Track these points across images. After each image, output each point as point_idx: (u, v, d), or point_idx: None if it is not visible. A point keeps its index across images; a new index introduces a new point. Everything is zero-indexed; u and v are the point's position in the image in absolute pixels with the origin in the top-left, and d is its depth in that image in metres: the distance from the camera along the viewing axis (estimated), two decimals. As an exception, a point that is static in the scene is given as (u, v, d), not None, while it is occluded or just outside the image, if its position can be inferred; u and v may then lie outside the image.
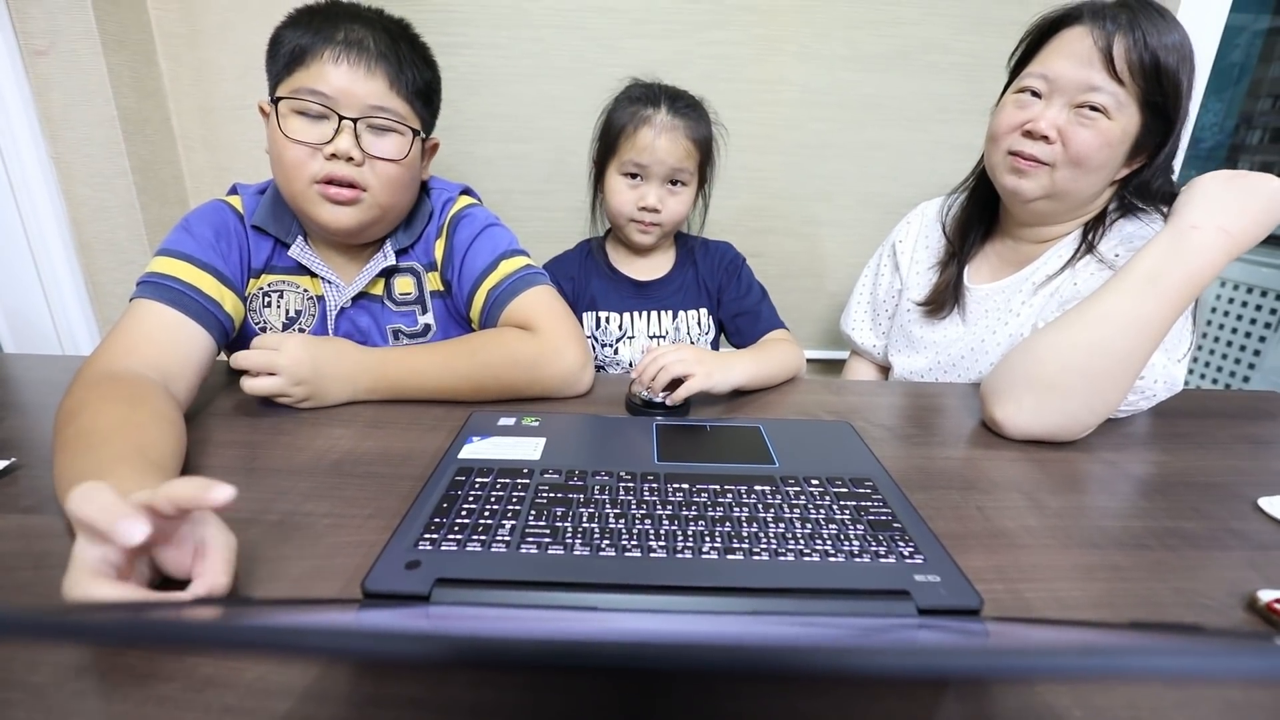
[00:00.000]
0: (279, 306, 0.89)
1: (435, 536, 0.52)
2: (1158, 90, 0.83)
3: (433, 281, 0.95)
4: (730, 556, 0.51)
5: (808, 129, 1.53)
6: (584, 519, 0.55)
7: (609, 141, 1.08)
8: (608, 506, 0.57)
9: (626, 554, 0.51)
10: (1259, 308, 2.34)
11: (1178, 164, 0.98)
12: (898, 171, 1.57)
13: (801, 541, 0.53)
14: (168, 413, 0.65)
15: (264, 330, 0.89)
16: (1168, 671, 0.26)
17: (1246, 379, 2.39)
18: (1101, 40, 0.83)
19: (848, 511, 0.58)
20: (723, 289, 1.18)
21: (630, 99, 1.07)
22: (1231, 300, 2.43)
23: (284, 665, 0.41)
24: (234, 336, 0.86)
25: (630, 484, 0.61)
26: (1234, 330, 2.43)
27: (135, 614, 0.30)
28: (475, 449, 0.67)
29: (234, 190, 0.91)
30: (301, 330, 0.90)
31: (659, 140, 1.03)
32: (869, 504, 0.59)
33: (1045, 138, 0.87)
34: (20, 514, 0.57)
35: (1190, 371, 2.53)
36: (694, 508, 0.57)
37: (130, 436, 0.58)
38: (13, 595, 0.47)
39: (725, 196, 1.48)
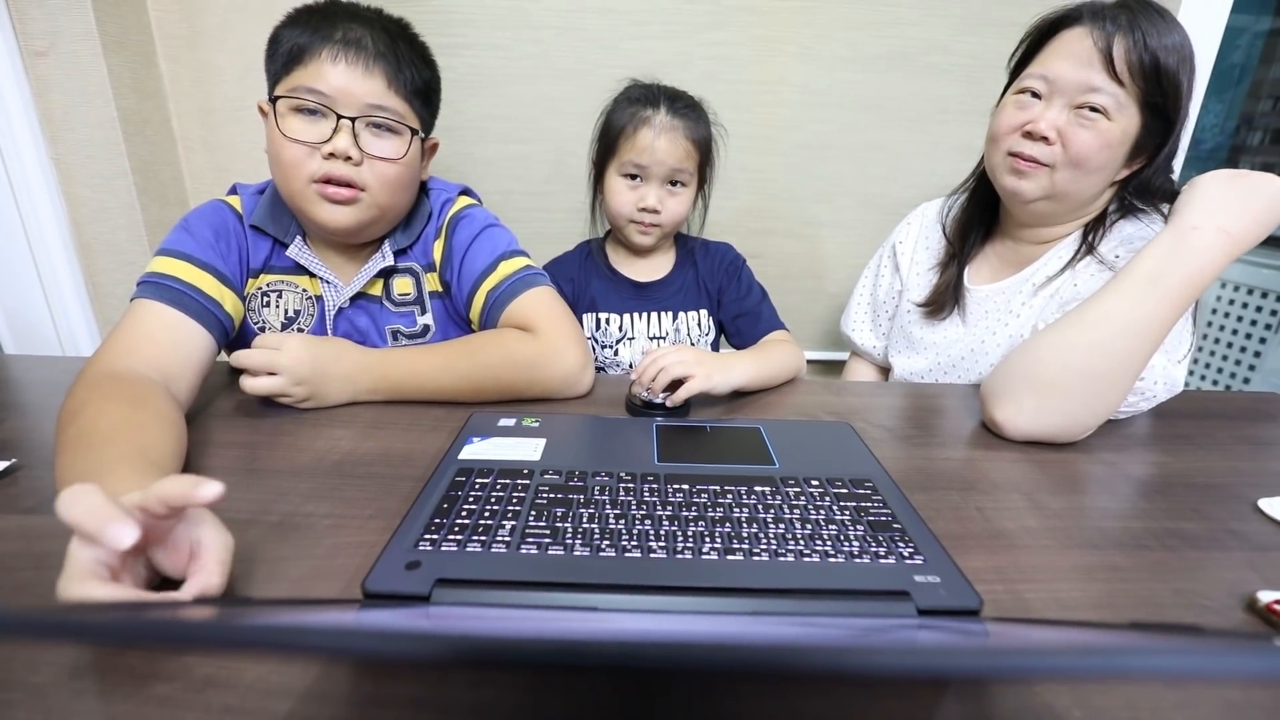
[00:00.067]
0: (278, 306, 0.89)
1: (435, 537, 0.52)
2: (1158, 91, 0.83)
3: (431, 282, 0.95)
4: (730, 557, 0.51)
5: (808, 130, 1.53)
6: (584, 519, 0.55)
7: (608, 143, 1.08)
8: (608, 507, 0.57)
9: (626, 554, 0.51)
10: (1259, 309, 2.34)
11: (1178, 165, 0.98)
12: (898, 172, 1.57)
13: (801, 542, 0.53)
14: (169, 413, 0.65)
15: (263, 330, 0.89)
16: (1167, 672, 0.26)
17: (1247, 380, 2.39)
18: (1101, 41, 0.83)
19: (848, 512, 0.58)
20: (723, 290, 1.18)
21: (629, 100, 1.07)
22: (1232, 302, 2.43)
23: (284, 665, 0.41)
24: (233, 336, 0.86)
25: (630, 485, 0.61)
26: (1234, 332, 2.42)
27: (135, 614, 0.30)
28: (475, 450, 0.67)
29: (233, 190, 0.91)
30: (300, 330, 0.90)
31: (658, 141, 1.03)
32: (869, 505, 0.59)
33: (1045, 139, 0.87)
34: (21, 514, 0.57)
35: (1190, 373, 2.53)
36: (694, 508, 0.57)
37: (132, 437, 0.58)
38: (13, 596, 0.47)
39: (725, 197, 1.48)
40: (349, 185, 0.81)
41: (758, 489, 0.61)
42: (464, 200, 0.98)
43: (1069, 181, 0.88)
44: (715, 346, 1.22)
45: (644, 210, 1.07)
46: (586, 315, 1.16)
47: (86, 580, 0.41)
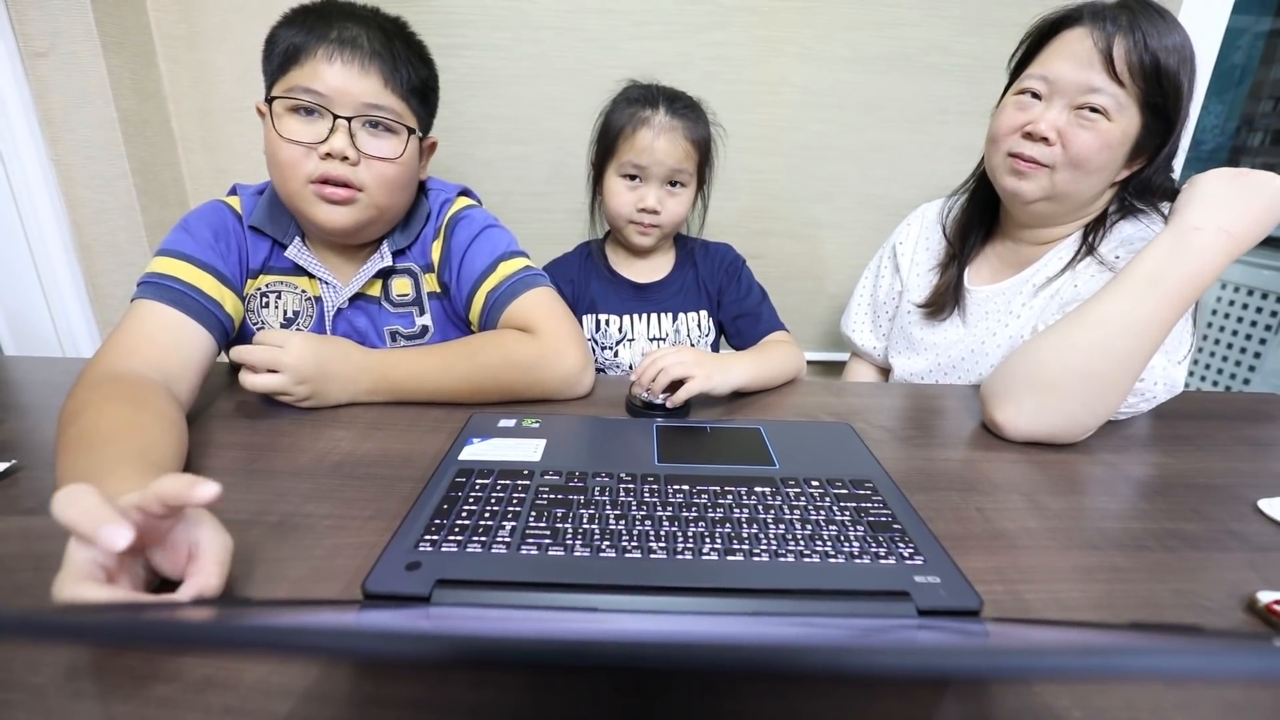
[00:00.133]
0: (276, 307, 0.89)
1: (436, 538, 0.52)
2: (1158, 91, 0.83)
3: (430, 283, 0.95)
4: (730, 557, 0.51)
5: (808, 130, 1.53)
6: (584, 520, 0.55)
7: (607, 143, 1.08)
8: (608, 508, 0.57)
9: (627, 555, 0.51)
10: (1259, 310, 2.34)
11: (1179, 166, 0.98)
12: (898, 173, 1.57)
13: (801, 543, 0.53)
14: (170, 414, 0.65)
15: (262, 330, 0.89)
16: (1167, 672, 0.26)
17: (1247, 381, 2.39)
18: (1102, 42, 0.83)
19: (848, 513, 0.58)
20: (723, 291, 1.18)
21: (628, 100, 1.07)
22: (1232, 303, 2.43)
23: (284, 666, 0.41)
24: (233, 337, 0.86)
25: (630, 485, 0.61)
26: (1234, 333, 2.42)
27: (134, 615, 0.30)
28: (475, 450, 0.67)
29: (233, 191, 0.91)
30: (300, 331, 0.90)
31: (658, 141, 1.03)
32: (869, 505, 0.59)
33: (1045, 139, 0.87)
34: (21, 516, 0.57)
35: (1191, 374, 2.53)
36: (694, 509, 0.57)
37: (132, 437, 0.58)
38: (13, 597, 0.47)
39: (726, 198, 1.48)
40: (346, 185, 0.81)
41: (758, 489, 0.61)
42: (463, 201, 0.98)
43: (1069, 182, 0.88)
44: (715, 347, 1.22)
45: (643, 211, 1.07)
46: (586, 317, 1.16)
47: (81, 581, 0.40)
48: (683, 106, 1.06)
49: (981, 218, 1.06)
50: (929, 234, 1.13)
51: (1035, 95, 0.89)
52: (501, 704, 0.40)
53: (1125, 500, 0.68)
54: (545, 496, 0.58)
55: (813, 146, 1.54)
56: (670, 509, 0.57)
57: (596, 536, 0.53)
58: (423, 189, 0.97)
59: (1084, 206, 0.93)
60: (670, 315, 1.17)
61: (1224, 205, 0.73)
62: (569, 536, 0.53)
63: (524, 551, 0.51)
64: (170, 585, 0.46)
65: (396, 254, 0.92)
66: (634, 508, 0.57)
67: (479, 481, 0.60)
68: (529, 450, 0.67)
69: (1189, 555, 0.58)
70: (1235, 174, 0.74)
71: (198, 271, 0.80)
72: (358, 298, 0.92)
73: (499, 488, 0.60)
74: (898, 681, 0.43)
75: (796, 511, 0.57)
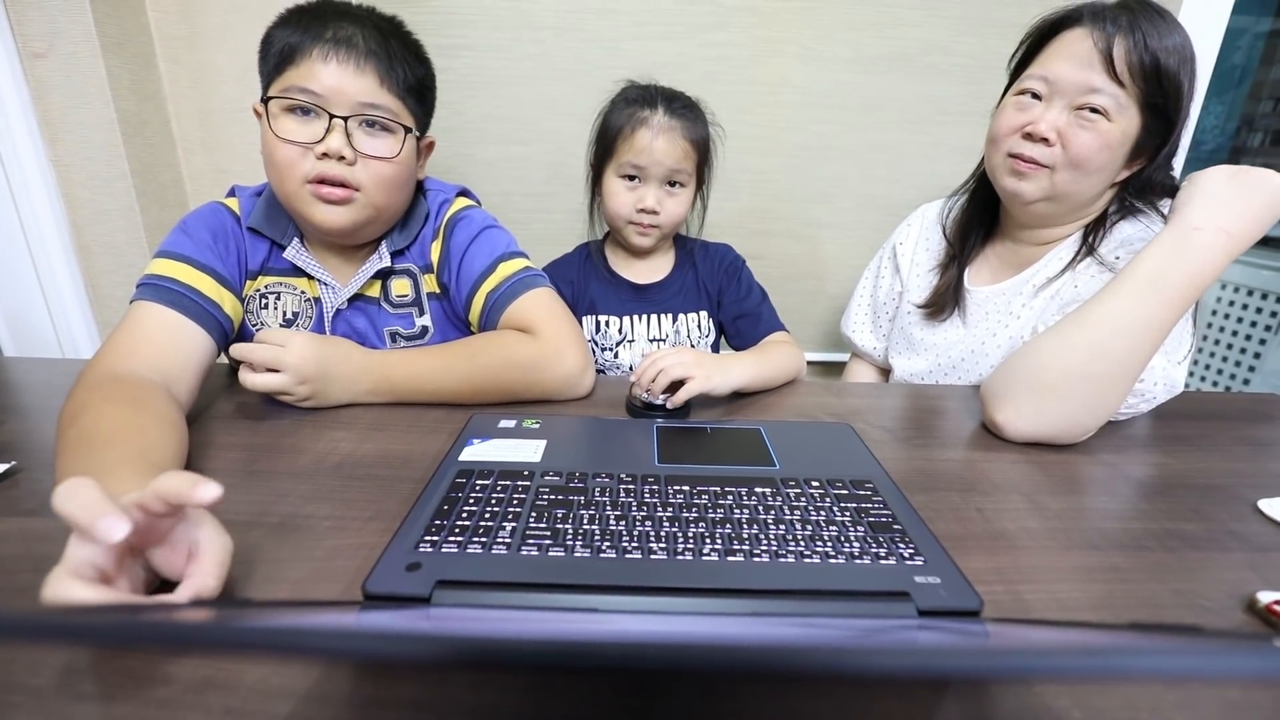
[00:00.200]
0: (276, 308, 0.89)
1: (436, 539, 0.52)
2: (1158, 92, 0.83)
3: (429, 284, 0.95)
4: (731, 558, 0.51)
5: (809, 131, 1.53)
6: (585, 521, 0.55)
7: (606, 144, 1.08)
8: (608, 508, 0.57)
9: (627, 556, 0.51)
10: (1259, 310, 2.34)
11: (1179, 166, 0.98)
12: (898, 173, 1.57)
13: (802, 543, 0.53)
14: (170, 415, 0.65)
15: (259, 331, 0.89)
16: (1167, 672, 0.26)
17: (1247, 381, 2.39)
18: (1102, 42, 0.83)
19: (848, 513, 0.58)
20: (723, 291, 1.18)
21: (627, 101, 1.07)
22: (1232, 303, 2.43)
23: (285, 667, 0.41)
24: (233, 338, 0.86)
25: (631, 486, 0.61)
26: (1234, 333, 2.43)
27: (132, 616, 0.30)
28: (476, 451, 0.67)
29: (231, 192, 0.91)
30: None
31: (656, 141, 1.03)
32: (869, 506, 0.59)
33: (1045, 140, 0.87)
34: (21, 517, 0.57)
35: (1191, 374, 2.53)
36: (695, 509, 0.57)
37: (132, 439, 0.58)
38: (13, 598, 0.48)
39: (726, 198, 1.48)
40: (343, 185, 0.81)
41: (758, 490, 0.61)
42: (462, 201, 0.98)
43: (1069, 183, 0.88)
44: (715, 348, 1.22)
45: (643, 211, 1.07)
46: (586, 318, 1.16)
47: (69, 579, 0.40)
48: (681, 106, 1.06)
49: (981, 218, 1.06)
50: (929, 234, 1.13)
51: (1035, 96, 0.89)
52: (502, 705, 0.40)
53: (1125, 500, 0.68)
54: (545, 497, 0.58)
55: (813, 147, 1.54)
56: (671, 509, 0.57)
57: (597, 537, 0.53)
58: (421, 189, 0.97)
59: (1084, 207, 0.93)
60: (670, 316, 1.17)
61: (1224, 204, 0.73)
62: (569, 537, 0.53)
63: (524, 552, 0.51)
64: (170, 586, 0.46)
65: (395, 255, 0.92)
66: (634, 508, 0.57)
67: (479, 482, 0.60)
68: (529, 451, 0.67)
69: (1189, 555, 0.58)
70: (1235, 172, 0.74)
71: (197, 273, 0.80)
72: (357, 298, 0.92)
73: (499, 488, 0.60)
74: (898, 682, 0.43)
75: (797, 512, 0.57)
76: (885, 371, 1.23)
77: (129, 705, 0.38)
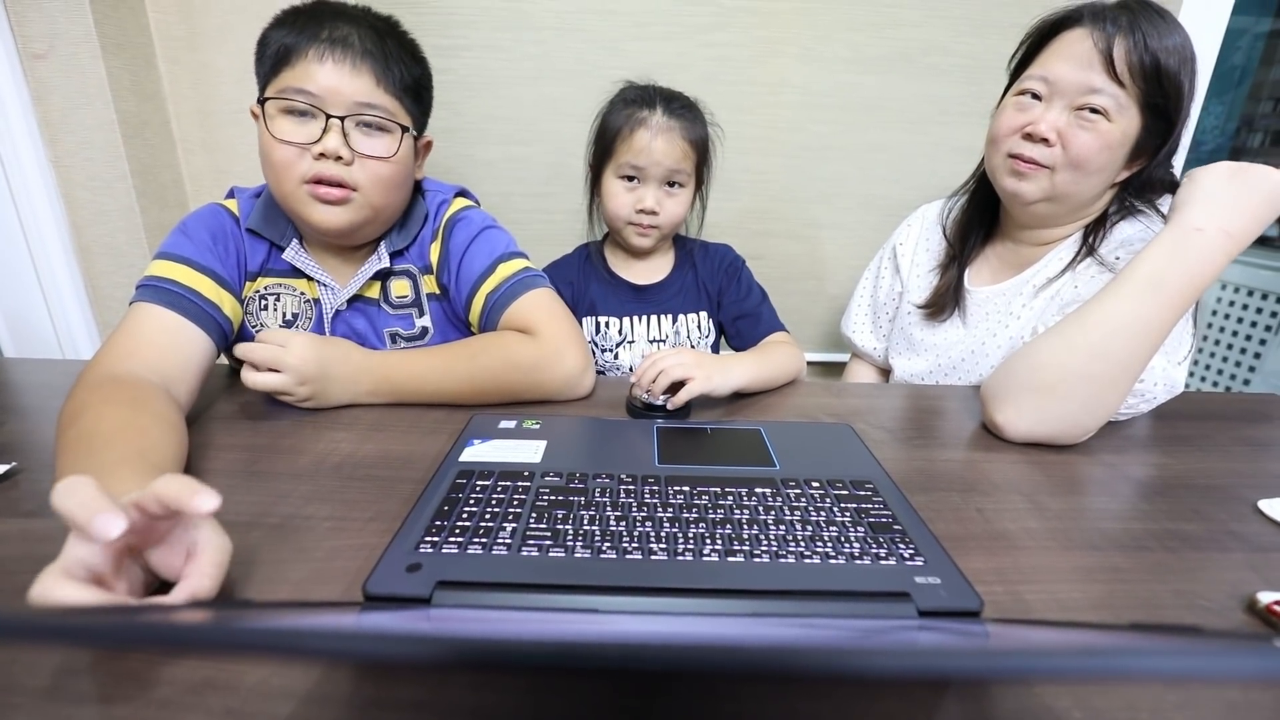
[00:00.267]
0: (275, 309, 0.90)
1: (436, 539, 0.52)
2: (1159, 92, 0.83)
3: (429, 284, 0.95)
4: (731, 559, 0.51)
5: (809, 131, 1.53)
6: (585, 521, 0.55)
7: (605, 145, 1.08)
8: (609, 509, 0.57)
9: (627, 556, 0.51)
10: (1259, 310, 2.34)
11: (1179, 167, 0.98)
12: (899, 174, 1.57)
13: (802, 544, 0.53)
14: (169, 416, 0.65)
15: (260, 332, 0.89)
16: (1167, 672, 0.26)
17: (1247, 382, 2.39)
18: (1102, 42, 0.83)
19: (848, 514, 0.58)
20: (723, 291, 1.18)
21: (625, 101, 1.07)
22: (1232, 303, 2.43)
23: (285, 668, 0.41)
24: (232, 339, 0.86)
25: (631, 486, 0.61)
26: (1234, 333, 2.43)
27: (129, 617, 0.30)
28: (476, 452, 0.67)
29: (231, 194, 0.91)
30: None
31: (655, 142, 1.03)
32: (869, 506, 0.59)
33: (1045, 140, 0.87)
34: (21, 518, 0.57)
35: (1191, 374, 2.53)
36: (695, 510, 0.57)
37: (132, 440, 0.58)
38: (13, 599, 0.47)
39: (726, 199, 1.49)
40: (340, 185, 0.81)
41: (758, 490, 0.61)
42: (460, 202, 0.98)
43: (1069, 183, 0.88)
44: (715, 348, 1.22)
45: (642, 212, 1.07)
46: (586, 319, 1.16)
47: (59, 578, 0.40)
48: (680, 107, 1.06)
49: (981, 219, 1.06)
50: (929, 235, 1.13)
51: (1035, 96, 0.89)
52: (502, 706, 0.40)
53: (1125, 501, 0.68)
54: (546, 498, 0.58)
55: (813, 147, 1.54)
56: (671, 510, 0.57)
57: (597, 538, 0.53)
58: (419, 190, 0.97)
59: (1084, 207, 0.93)
60: (670, 317, 1.17)
61: (1226, 204, 0.72)
62: (570, 538, 0.53)
63: (525, 553, 0.51)
64: (170, 587, 0.46)
65: (394, 255, 0.92)
66: (635, 509, 0.57)
67: (480, 483, 0.60)
68: (529, 451, 0.68)
69: (1189, 556, 0.58)
70: (1236, 170, 0.74)
71: (196, 274, 0.80)
72: (356, 300, 0.92)
73: (499, 489, 0.60)
74: (898, 683, 0.43)
75: (797, 512, 0.57)
76: (885, 372, 1.23)
77: (129, 706, 0.38)
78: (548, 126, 1.49)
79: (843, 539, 0.54)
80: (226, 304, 0.83)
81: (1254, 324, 2.36)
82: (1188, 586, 0.54)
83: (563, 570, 0.50)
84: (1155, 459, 0.77)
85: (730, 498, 0.59)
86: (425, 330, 0.96)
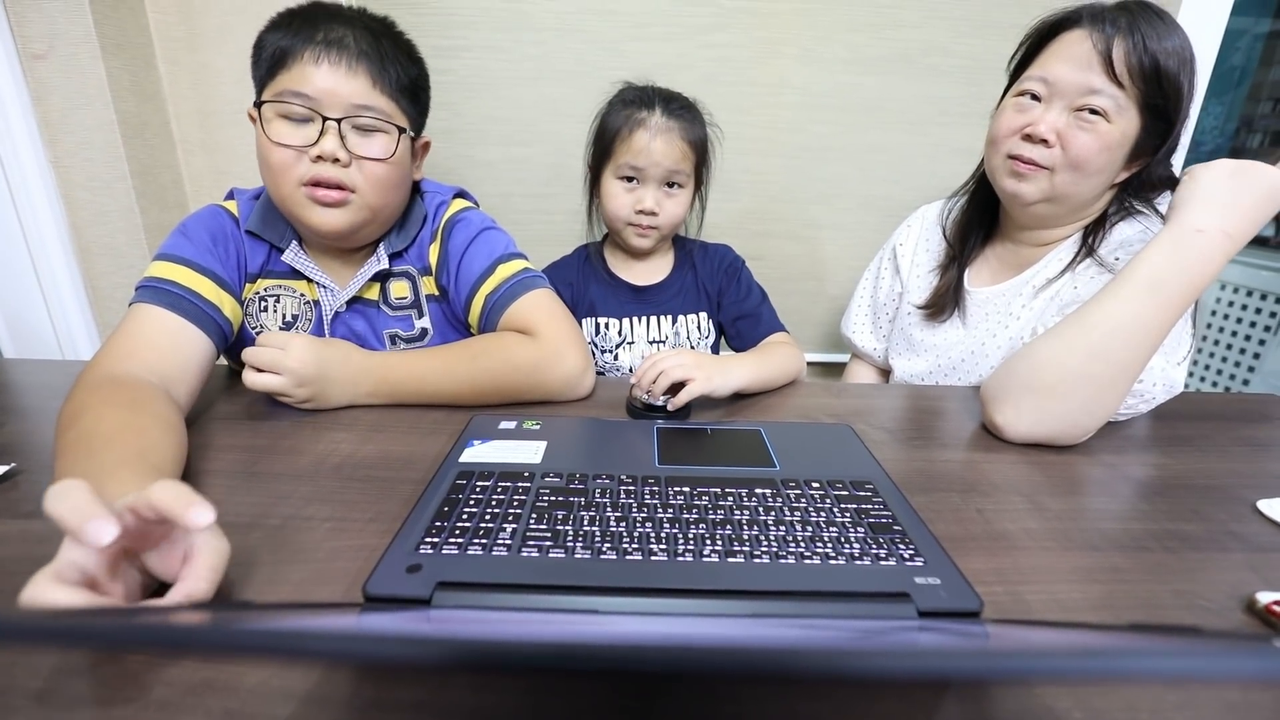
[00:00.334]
0: (275, 311, 0.90)
1: (436, 540, 0.52)
2: (1158, 93, 0.83)
3: (428, 285, 0.95)
4: (731, 559, 0.51)
5: (809, 132, 1.53)
6: (585, 522, 0.55)
7: (604, 145, 1.08)
8: (609, 510, 0.57)
9: (628, 557, 0.51)
10: (1259, 311, 2.34)
11: (1179, 167, 0.98)
12: (898, 174, 1.57)
13: (802, 544, 0.53)
14: (169, 417, 0.65)
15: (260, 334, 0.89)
16: (1167, 673, 0.26)
17: (1246, 382, 2.39)
18: (1101, 43, 0.83)
19: (848, 514, 0.58)
20: (722, 292, 1.18)
21: (624, 102, 1.07)
22: (1231, 304, 2.43)
23: (286, 669, 0.41)
24: (232, 341, 0.86)
25: (631, 487, 0.61)
26: (1234, 334, 2.43)
27: (127, 619, 0.30)
28: (476, 452, 0.67)
29: (230, 195, 0.91)
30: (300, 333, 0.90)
31: (654, 143, 1.03)
32: (869, 507, 0.59)
33: (1045, 141, 0.87)
34: (21, 519, 0.57)
35: (1190, 375, 2.53)
36: (695, 511, 0.57)
37: (131, 441, 0.58)
38: (12, 600, 0.47)
39: (726, 199, 1.49)
40: (338, 187, 0.81)
41: (758, 491, 0.61)
42: (459, 203, 0.98)
43: (1069, 184, 0.88)
44: (715, 349, 1.22)
45: (641, 212, 1.07)
46: (586, 320, 1.16)
47: (50, 581, 0.40)
48: (679, 107, 1.06)
49: (981, 219, 1.06)
50: (929, 235, 1.13)
51: (1035, 97, 0.89)
52: (502, 707, 0.40)
53: (1125, 501, 0.68)
54: (546, 498, 0.58)
55: (813, 148, 1.54)
56: (671, 511, 0.57)
57: (597, 538, 0.53)
58: (418, 191, 0.97)
59: (1084, 208, 0.93)
60: (670, 317, 1.17)
61: (1225, 204, 0.72)
62: (570, 539, 0.53)
63: (525, 554, 0.51)
64: (167, 589, 0.46)
65: (393, 257, 0.92)
66: (635, 510, 0.57)
67: (480, 484, 0.60)
68: (530, 452, 0.68)
69: (1189, 556, 0.58)
70: (1235, 169, 0.73)
71: (196, 276, 0.80)
72: (355, 301, 0.92)
73: (500, 490, 0.60)
74: (898, 683, 0.43)
75: (797, 513, 0.57)
76: (885, 372, 1.23)
77: (129, 708, 0.38)
78: (547, 127, 1.49)
79: (843, 539, 0.54)
80: (226, 305, 0.83)
81: (1253, 324, 2.36)
82: (1187, 587, 0.54)
83: (563, 571, 0.50)
84: (1155, 459, 0.77)
85: (730, 498, 0.59)
86: (425, 331, 0.96)
